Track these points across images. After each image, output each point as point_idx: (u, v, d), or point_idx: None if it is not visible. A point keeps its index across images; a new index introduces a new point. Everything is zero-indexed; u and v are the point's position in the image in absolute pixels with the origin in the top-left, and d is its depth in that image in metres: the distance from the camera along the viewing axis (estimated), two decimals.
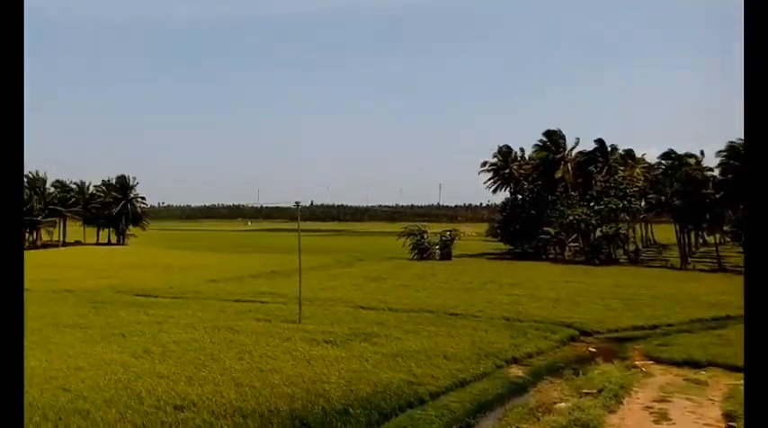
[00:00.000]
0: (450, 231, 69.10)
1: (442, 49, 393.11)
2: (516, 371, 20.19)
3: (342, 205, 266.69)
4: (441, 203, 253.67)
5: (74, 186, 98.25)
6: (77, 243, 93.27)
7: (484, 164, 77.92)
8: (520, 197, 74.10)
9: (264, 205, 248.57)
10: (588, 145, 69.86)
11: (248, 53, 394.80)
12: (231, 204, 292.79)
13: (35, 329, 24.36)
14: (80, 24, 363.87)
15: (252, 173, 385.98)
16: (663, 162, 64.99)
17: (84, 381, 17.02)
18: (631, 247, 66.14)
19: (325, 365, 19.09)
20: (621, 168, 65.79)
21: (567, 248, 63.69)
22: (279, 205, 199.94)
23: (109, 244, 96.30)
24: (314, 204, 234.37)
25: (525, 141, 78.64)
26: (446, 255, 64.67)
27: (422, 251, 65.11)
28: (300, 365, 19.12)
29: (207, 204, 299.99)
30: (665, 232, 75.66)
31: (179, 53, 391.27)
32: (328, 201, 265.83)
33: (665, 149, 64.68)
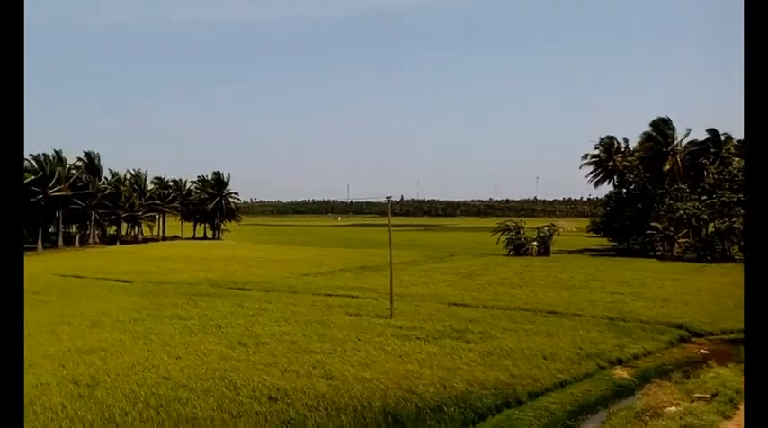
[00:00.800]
0: (548, 226, 66.64)
1: (545, 46, 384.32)
2: (621, 373, 19.31)
3: (433, 200, 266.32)
4: (538, 197, 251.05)
5: (171, 183, 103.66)
6: (175, 237, 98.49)
7: (585, 156, 75.76)
8: (624, 190, 71.48)
9: (354, 200, 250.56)
10: (699, 134, 66.56)
11: (339, 52, 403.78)
12: (322, 199, 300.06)
13: (138, 319, 26.01)
14: (183, 27, 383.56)
15: (342, 168, 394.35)
16: None
17: (184, 370, 17.92)
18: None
19: (417, 361, 19.00)
20: (736, 159, 61.58)
21: (676, 244, 60.35)
22: (369, 200, 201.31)
23: (204, 238, 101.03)
24: (404, 199, 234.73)
25: (630, 132, 74.76)
26: (544, 252, 62.91)
27: (518, 247, 63.70)
28: (392, 361, 19.15)
29: (298, 199, 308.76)
30: None
31: (272, 54, 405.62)
32: (419, 196, 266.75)
33: None
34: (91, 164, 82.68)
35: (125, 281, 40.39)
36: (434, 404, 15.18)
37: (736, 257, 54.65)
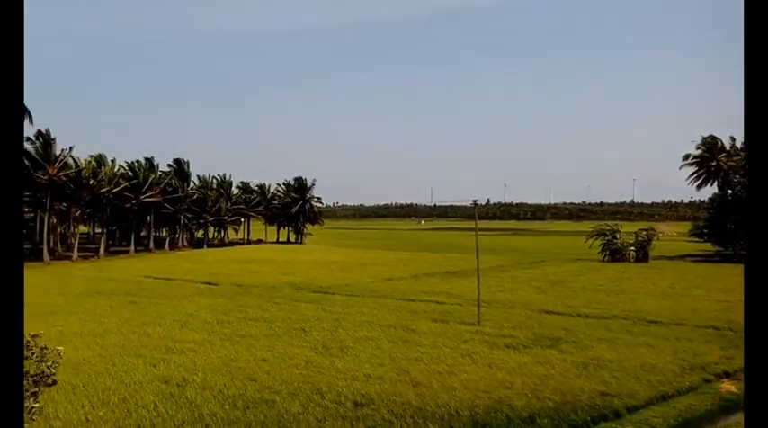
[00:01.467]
0: (646, 230, 65.01)
1: (633, 51, 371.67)
2: (728, 386, 17.97)
3: (521, 203, 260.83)
4: (635, 200, 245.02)
5: (256, 188, 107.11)
6: (259, 241, 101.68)
7: (686, 157, 73.52)
8: (729, 192, 68.88)
9: (437, 203, 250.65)
10: None
11: (430, 50, 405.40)
12: (404, 203, 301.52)
13: (224, 321, 26.86)
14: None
15: (426, 172, 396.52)
16: None
17: (269, 373, 18.23)
18: None
19: (507, 370, 18.48)
20: None
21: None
22: (453, 203, 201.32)
23: (288, 242, 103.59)
24: (490, 202, 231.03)
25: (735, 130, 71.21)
26: (642, 257, 60.89)
27: (614, 252, 62.02)
28: (480, 369, 18.72)
29: (380, 203, 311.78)
30: None
31: (353, 55, 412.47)
32: (506, 199, 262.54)
33: None
34: (180, 170, 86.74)
35: (212, 284, 41.92)
36: (526, 415, 14.62)
37: None
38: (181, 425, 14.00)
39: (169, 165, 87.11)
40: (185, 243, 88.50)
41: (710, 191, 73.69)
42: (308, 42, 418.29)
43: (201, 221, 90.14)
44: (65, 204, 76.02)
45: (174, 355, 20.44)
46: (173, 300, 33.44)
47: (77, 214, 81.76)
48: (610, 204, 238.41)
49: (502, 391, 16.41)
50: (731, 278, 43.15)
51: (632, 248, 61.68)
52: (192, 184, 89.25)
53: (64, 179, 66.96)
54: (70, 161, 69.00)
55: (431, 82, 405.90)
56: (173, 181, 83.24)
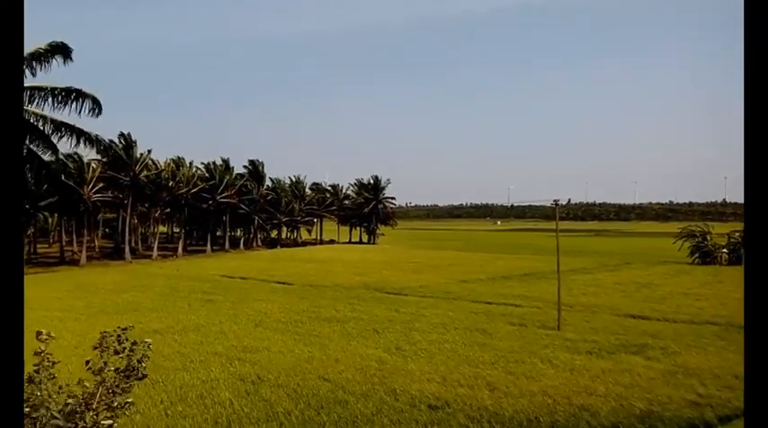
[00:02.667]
0: (740, 232, 61.92)
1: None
2: None
3: (604, 203, 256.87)
4: (727, 200, 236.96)
5: (329, 188, 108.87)
6: (332, 241, 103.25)
7: None
8: None
9: (515, 204, 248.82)
10: None
11: (492, 49, 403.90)
12: (480, 203, 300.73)
13: (298, 321, 27.45)
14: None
15: (502, 171, 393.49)
16: None
17: (342, 373, 18.47)
18: None
19: (589, 377, 17.97)
20: None
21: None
22: (531, 203, 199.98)
23: (360, 242, 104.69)
24: (571, 202, 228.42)
25: None
26: (736, 260, 58.35)
27: (704, 255, 60.53)
28: (561, 375, 18.29)
29: (454, 203, 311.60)
30: None
31: (422, 57, 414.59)
32: (588, 199, 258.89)
33: None
34: (255, 171, 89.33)
35: (286, 283, 42.95)
36: (609, 423, 14.15)
37: None
38: (256, 423, 14.42)
39: (244, 166, 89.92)
40: (260, 243, 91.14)
41: None
42: (372, 42, 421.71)
43: (275, 221, 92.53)
44: (146, 205, 79.77)
45: (249, 353, 21.07)
46: (248, 299, 34.49)
47: (157, 214, 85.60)
48: (699, 204, 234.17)
49: (584, 398, 15.95)
50: None
51: (725, 250, 59.74)
52: (266, 185, 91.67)
53: (144, 180, 70.37)
54: (150, 163, 72.42)
55: (497, 82, 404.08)
56: (248, 182, 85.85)
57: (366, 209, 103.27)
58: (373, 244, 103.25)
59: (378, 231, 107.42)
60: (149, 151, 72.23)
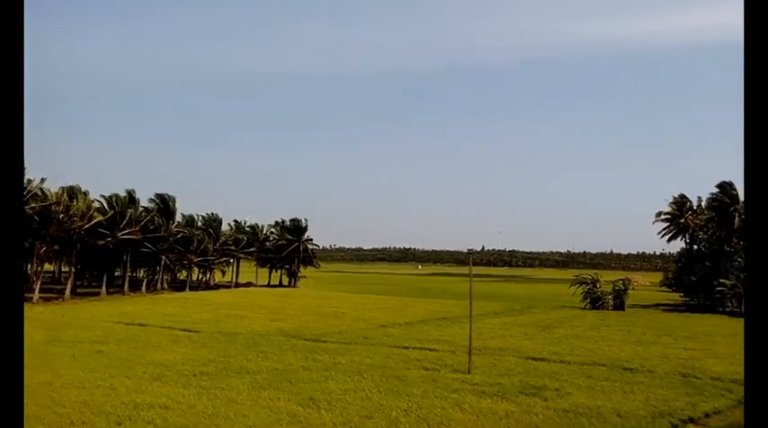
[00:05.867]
0: (623, 280, 73.09)
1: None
2: None
3: (513, 250, 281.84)
4: (614, 251, 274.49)
5: (248, 228, 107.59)
6: (249, 284, 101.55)
7: (659, 214, 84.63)
8: (695, 247, 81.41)
9: (435, 249, 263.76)
10: None
11: (411, 101, 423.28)
12: (403, 247, 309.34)
13: (204, 373, 26.77)
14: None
15: (424, 216, 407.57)
16: None
17: None
18: None
19: (494, 420, 19.91)
20: None
21: (744, 301, 64.11)
22: (449, 249, 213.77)
23: (280, 285, 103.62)
24: (485, 249, 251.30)
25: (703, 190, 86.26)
26: (619, 305, 68.79)
27: (594, 300, 69.81)
28: (469, 418, 19.89)
29: (379, 246, 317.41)
30: None
31: (357, 103, 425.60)
32: (500, 247, 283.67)
33: None
34: (164, 206, 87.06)
35: (192, 331, 41.83)
36: None
37: None
38: None
39: (151, 200, 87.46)
40: (165, 285, 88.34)
41: (679, 245, 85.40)
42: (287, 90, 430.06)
43: (185, 262, 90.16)
44: (29, 240, 74.68)
45: (143, 412, 20.05)
46: (146, 350, 32.82)
47: (42, 251, 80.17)
48: (592, 254, 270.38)
49: None
50: (696, 327, 50.36)
51: (610, 297, 69.75)
52: (176, 222, 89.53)
53: (30, 212, 65.78)
54: (39, 193, 68.24)
55: (420, 129, 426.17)
56: (155, 217, 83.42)
57: (287, 250, 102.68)
58: (294, 287, 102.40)
59: (300, 273, 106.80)
60: (43, 180, 68.28)
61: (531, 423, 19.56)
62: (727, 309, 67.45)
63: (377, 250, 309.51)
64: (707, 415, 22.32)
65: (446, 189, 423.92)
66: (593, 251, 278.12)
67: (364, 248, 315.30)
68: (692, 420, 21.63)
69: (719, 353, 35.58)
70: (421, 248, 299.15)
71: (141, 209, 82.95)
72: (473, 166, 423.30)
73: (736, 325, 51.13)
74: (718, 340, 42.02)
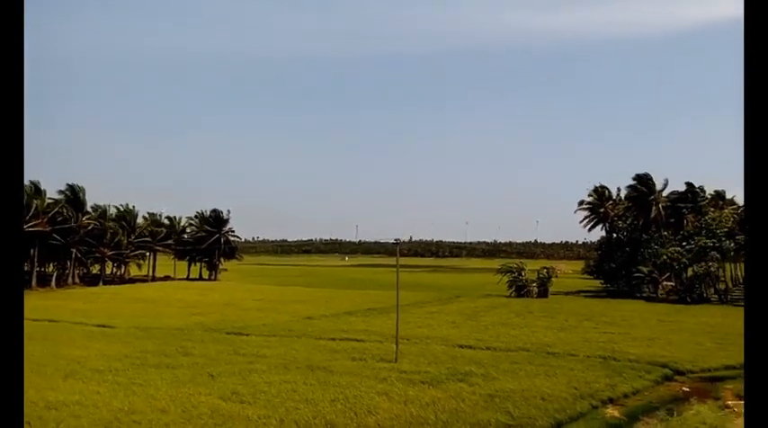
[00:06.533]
0: (547, 269, 75.60)
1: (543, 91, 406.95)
2: (612, 412, 21.73)
3: (440, 241, 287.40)
4: (538, 240, 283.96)
5: (165, 220, 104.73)
6: (167, 278, 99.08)
7: (581, 203, 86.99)
8: (615, 235, 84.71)
9: (363, 240, 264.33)
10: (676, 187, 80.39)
11: (349, 90, 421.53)
12: (329, 239, 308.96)
13: (119, 369, 25.92)
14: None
15: (350, 208, 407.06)
16: None
17: (169, 425, 17.91)
18: (722, 286, 70.55)
19: (421, 406, 20.31)
20: (711, 209, 76.89)
21: (660, 287, 70.15)
22: (378, 240, 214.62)
23: (200, 279, 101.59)
24: (413, 240, 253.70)
25: (624, 181, 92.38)
26: (543, 293, 70.95)
27: (519, 288, 71.71)
28: (396, 406, 20.17)
29: (304, 238, 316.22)
30: None
31: (283, 88, 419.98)
32: (427, 237, 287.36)
33: None
34: (74, 197, 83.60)
35: (106, 326, 40.44)
36: None
37: (711, 299, 66.10)
38: None
39: (60, 192, 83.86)
40: (77, 279, 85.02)
41: (600, 234, 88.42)
42: (220, 71, 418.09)
43: (98, 255, 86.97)
44: None
45: (54, 411, 19.30)
46: (57, 346, 31.57)
47: None
48: (517, 243, 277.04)
49: (416, 427, 17.87)
50: (614, 312, 52.57)
51: (535, 285, 71.76)
52: (88, 214, 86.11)
53: None
54: None
55: (351, 121, 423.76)
56: (64, 209, 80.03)
57: (207, 242, 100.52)
58: (215, 280, 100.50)
59: (220, 267, 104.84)
60: None
61: (458, 409, 19.99)
62: (644, 295, 70.50)
63: (302, 242, 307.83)
64: (625, 396, 23.71)
65: (374, 180, 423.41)
66: (519, 240, 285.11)
67: (289, 240, 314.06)
68: (611, 400, 22.87)
69: (637, 337, 37.38)
70: (347, 240, 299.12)
71: (49, 200, 79.51)
72: (400, 158, 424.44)
73: (653, 310, 54.77)
74: (635, 323, 44.06)
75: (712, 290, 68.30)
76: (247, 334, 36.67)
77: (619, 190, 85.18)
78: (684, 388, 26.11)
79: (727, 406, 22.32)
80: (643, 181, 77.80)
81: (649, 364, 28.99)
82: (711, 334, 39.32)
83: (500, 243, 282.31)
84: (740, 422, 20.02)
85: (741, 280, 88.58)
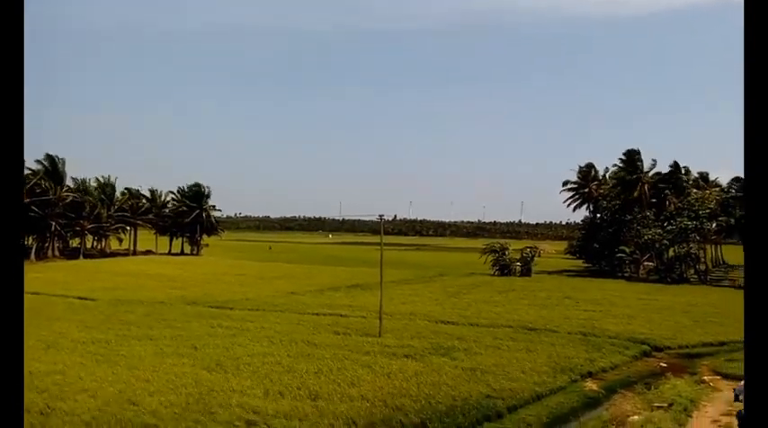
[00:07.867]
0: (530, 248, 77.43)
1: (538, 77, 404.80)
2: (591, 385, 22.55)
3: (424, 220, 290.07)
4: (522, 220, 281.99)
5: (146, 194, 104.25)
6: (149, 252, 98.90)
7: (565, 183, 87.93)
8: (598, 216, 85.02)
9: (346, 218, 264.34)
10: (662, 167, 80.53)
11: (343, 68, 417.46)
12: (312, 216, 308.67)
13: (102, 341, 26.36)
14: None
15: (334, 185, 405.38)
16: (734, 185, 74.81)
17: (153, 395, 18.43)
18: (702, 267, 72.22)
19: (404, 379, 20.96)
20: (695, 190, 77.26)
21: (641, 267, 71.44)
22: (361, 218, 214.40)
23: (182, 254, 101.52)
24: (397, 218, 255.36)
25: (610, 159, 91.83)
26: (526, 272, 71.99)
27: (503, 267, 73.02)
28: (379, 379, 20.78)
29: (287, 215, 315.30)
30: (734, 253, 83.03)
31: (273, 67, 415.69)
32: (411, 216, 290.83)
33: (737, 174, 71.09)
34: (53, 168, 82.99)
35: (88, 299, 40.90)
36: (419, 420, 16.63)
37: (691, 279, 67.43)
38: None
39: (38, 161, 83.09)
40: (57, 253, 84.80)
41: (584, 213, 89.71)
42: (202, 45, 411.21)
43: (77, 229, 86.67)
44: None
45: (37, 380, 19.67)
46: (38, 318, 31.76)
47: None
48: (501, 223, 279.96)
49: (398, 399, 18.35)
50: (596, 291, 53.80)
51: (518, 264, 73.03)
52: (66, 186, 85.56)
53: None
54: None
55: (344, 97, 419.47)
56: (42, 181, 79.52)
57: (188, 218, 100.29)
58: (197, 255, 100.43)
59: (202, 242, 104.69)
60: None
61: (440, 382, 20.63)
62: (626, 274, 71.55)
63: (285, 219, 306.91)
64: (604, 370, 24.64)
65: (359, 158, 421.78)
66: (504, 220, 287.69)
67: (272, 217, 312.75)
68: (590, 374, 23.76)
69: (617, 314, 38.45)
70: (331, 217, 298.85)
71: (27, 171, 78.91)
72: (386, 136, 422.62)
73: (633, 289, 56.11)
74: (616, 302, 45.07)
75: (692, 271, 69.40)
76: (230, 308, 37.20)
77: (606, 169, 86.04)
78: (662, 364, 26.86)
79: (703, 381, 23.21)
80: (630, 159, 78.14)
81: (628, 341, 29.90)
82: (690, 312, 40.36)
83: (485, 222, 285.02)
84: (716, 395, 21.03)
85: (722, 261, 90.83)
